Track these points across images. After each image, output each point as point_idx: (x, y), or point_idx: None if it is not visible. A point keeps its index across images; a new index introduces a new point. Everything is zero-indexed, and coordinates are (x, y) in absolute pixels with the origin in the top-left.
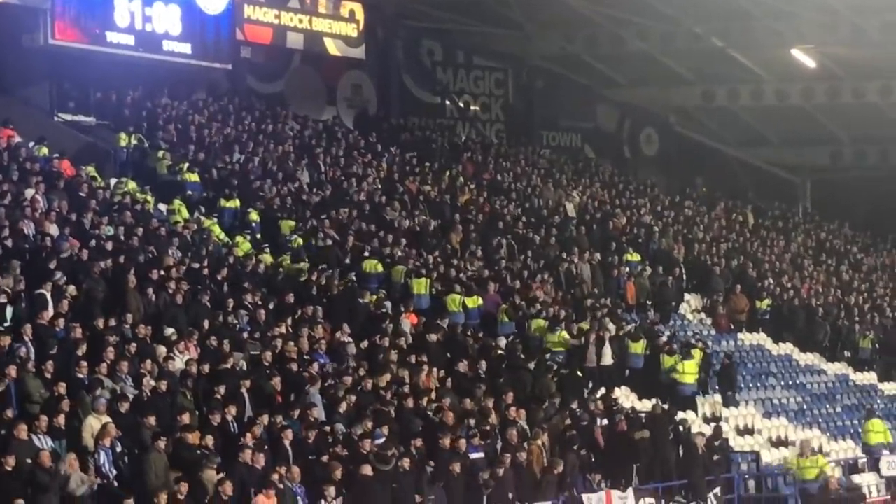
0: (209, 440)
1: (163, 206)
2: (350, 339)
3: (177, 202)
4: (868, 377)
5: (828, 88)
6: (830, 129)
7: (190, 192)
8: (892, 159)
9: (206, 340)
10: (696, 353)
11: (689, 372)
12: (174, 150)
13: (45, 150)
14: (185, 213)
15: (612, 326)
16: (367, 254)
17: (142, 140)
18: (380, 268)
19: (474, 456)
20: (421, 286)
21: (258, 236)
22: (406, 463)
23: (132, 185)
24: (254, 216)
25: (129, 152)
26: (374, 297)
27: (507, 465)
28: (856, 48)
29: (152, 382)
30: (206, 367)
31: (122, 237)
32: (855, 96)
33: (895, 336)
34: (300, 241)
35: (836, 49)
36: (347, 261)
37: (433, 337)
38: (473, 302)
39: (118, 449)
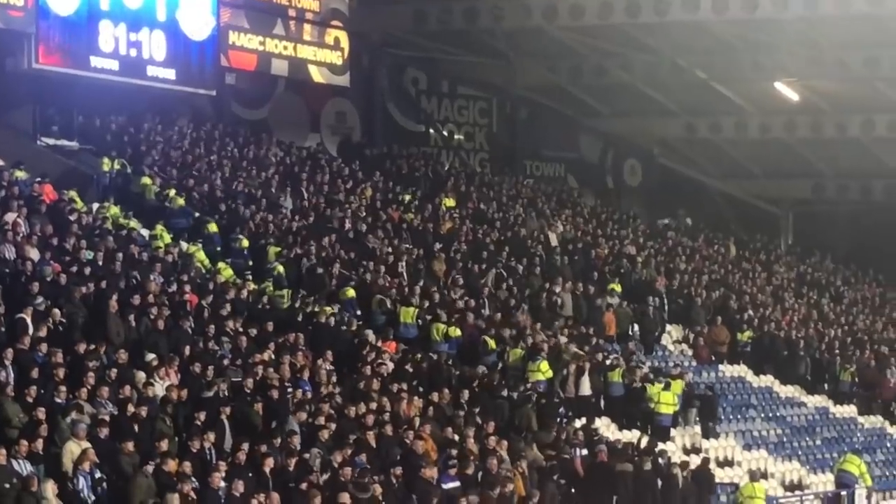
0: (186, 467)
1: (145, 232)
2: (332, 367)
3: (159, 227)
4: (848, 410)
5: (811, 122)
6: (813, 163)
7: (175, 218)
8: (874, 193)
9: (190, 366)
10: (676, 384)
11: (667, 402)
12: (158, 175)
13: (20, 174)
14: (168, 239)
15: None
16: (352, 282)
17: (125, 165)
18: (350, 293)
19: (450, 485)
20: (408, 315)
21: (250, 263)
22: (377, 490)
23: (114, 209)
24: (244, 243)
25: (111, 177)
26: (357, 325)
27: (491, 494)
28: (839, 82)
29: (132, 408)
30: (187, 394)
31: (102, 262)
32: (838, 130)
33: (873, 372)
34: (281, 268)
35: (820, 83)
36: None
37: (414, 366)
38: (454, 332)
39: (97, 475)
